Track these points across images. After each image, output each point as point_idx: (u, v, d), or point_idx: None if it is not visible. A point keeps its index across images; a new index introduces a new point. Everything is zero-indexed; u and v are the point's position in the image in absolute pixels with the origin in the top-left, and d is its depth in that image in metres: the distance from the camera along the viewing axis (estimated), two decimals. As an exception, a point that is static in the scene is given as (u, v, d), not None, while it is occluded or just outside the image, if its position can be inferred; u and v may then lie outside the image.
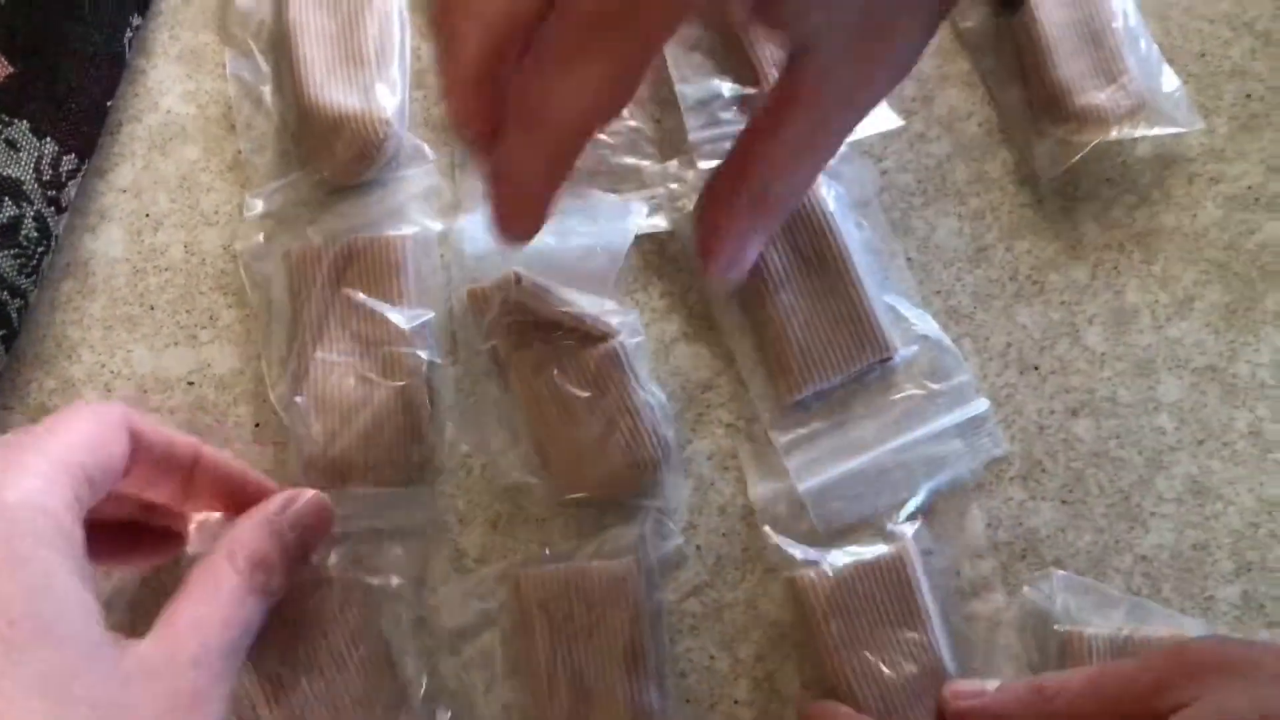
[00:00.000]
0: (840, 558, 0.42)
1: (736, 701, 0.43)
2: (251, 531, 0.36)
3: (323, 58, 0.46)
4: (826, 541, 0.43)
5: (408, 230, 0.45)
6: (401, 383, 0.43)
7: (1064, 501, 0.45)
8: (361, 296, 0.44)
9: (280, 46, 0.47)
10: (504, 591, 0.42)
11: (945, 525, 0.44)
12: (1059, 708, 0.36)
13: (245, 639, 0.34)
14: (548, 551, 0.43)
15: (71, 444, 0.32)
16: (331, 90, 0.46)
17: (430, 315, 0.44)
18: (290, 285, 0.44)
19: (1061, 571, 0.43)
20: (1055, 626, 0.42)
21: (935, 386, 0.44)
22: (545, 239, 0.41)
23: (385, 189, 0.46)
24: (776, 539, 0.43)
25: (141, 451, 0.36)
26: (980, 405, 0.44)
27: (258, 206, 0.46)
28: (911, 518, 0.43)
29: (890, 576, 0.41)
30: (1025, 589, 0.43)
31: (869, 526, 0.43)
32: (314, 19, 0.47)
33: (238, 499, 0.39)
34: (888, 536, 0.43)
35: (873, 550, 0.42)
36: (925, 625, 0.41)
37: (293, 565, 0.37)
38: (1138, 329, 0.47)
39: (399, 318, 0.44)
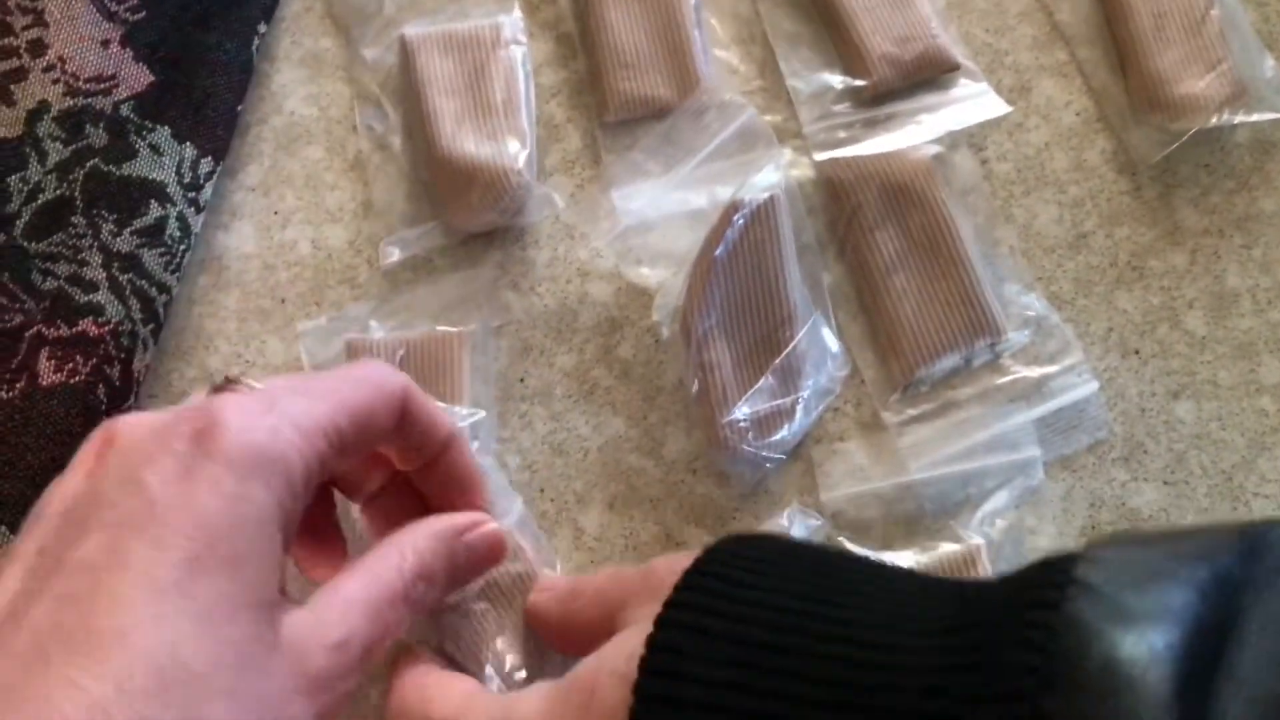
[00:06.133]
0: (909, 559, 0.43)
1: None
2: (427, 539, 0.35)
3: (452, 108, 0.48)
4: (901, 544, 0.44)
5: (466, 326, 0.46)
6: None
7: (1166, 483, 0.46)
8: None
9: (408, 95, 0.49)
10: None
11: (1043, 512, 0.45)
12: (575, 608, 0.37)
13: (383, 642, 0.32)
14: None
15: (341, 404, 0.32)
16: (463, 140, 0.47)
17: (482, 415, 0.45)
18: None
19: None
20: None
21: (1045, 369, 0.46)
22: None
23: (449, 280, 0.47)
24: (848, 545, 0.44)
25: (402, 431, 0.36)
26: (1090, 387, 0.45)
27: (394, 254, 0.47)
28: (998, 514, 0.44)
29: (958, 575, 0.42)
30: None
31: (944, 530, 0.44)
32: (441, 70, 0.48)
33: (457, 501, 0.39)
34: (959, 539, 0.44)
35: (943, 550, 0.43)
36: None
37: (451, 587, 0.37)
38: (1239, 313, 0.47)
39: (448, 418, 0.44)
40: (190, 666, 0.26)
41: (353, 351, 0.46)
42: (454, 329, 0.46)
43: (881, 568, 0.32)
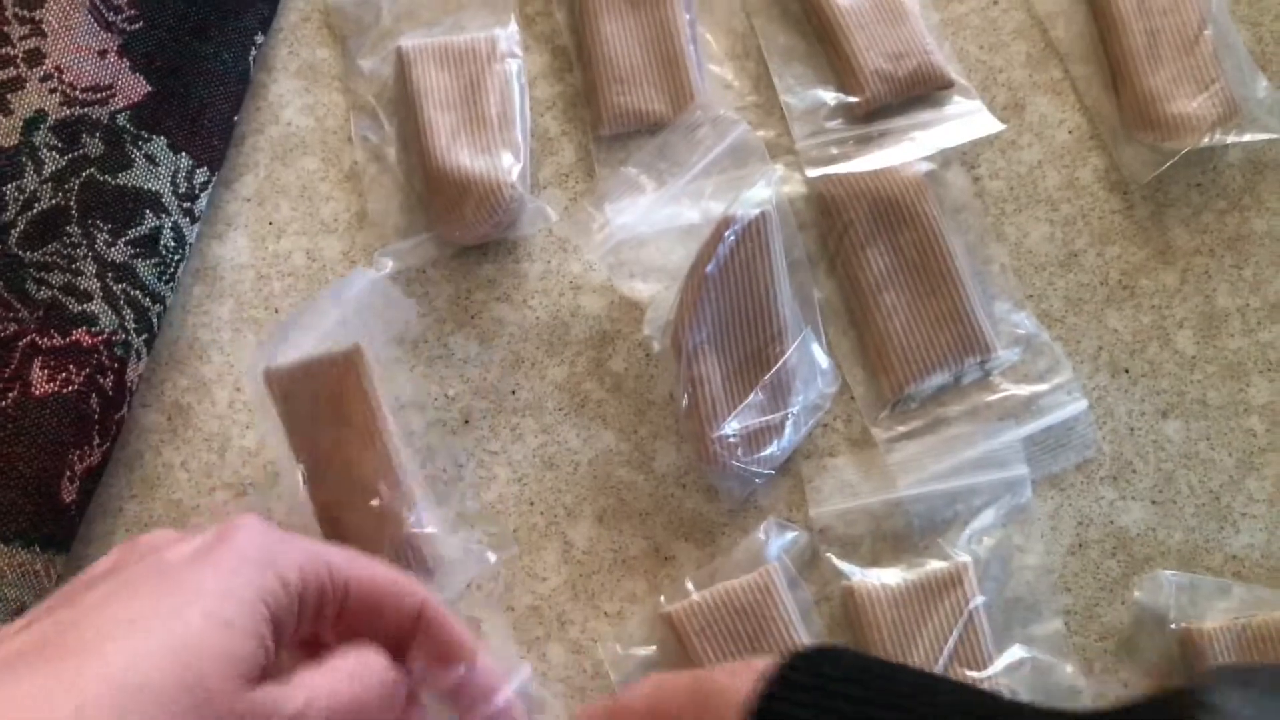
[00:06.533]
0: (896, 575, 0.44)
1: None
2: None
3: (447, 121, 0.48)
4: (889, 560, 0.44)
5: (357, 339, 0.44)
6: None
7: (1154, 502, 0.46)
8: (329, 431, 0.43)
9: (404, 107, 0.49)
10: (659, 632, 0.44)
11: (1030, 530, 0.45)
12: None
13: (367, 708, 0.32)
14: (690, 584, 0.44)
15: (351, 563, 0.34)
16: (457, 154, 0.47)
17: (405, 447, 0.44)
18: (277, 406, 0.43)
19: (1168, 571, 0.44)
20: (1171, 626, 0.43)
21: (1034, 387, 0.46)
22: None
23: (321, 292, 0.45)
24: (836, 561, 0.44)
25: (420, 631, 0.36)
26: (1079, 406, 0.45)
27: (388, 265, 0.47)
28: (986, 531, 0.45)
29: (945, 592, 0.43)
30: (1136, 593, 0.44)
31: (932, 547, 0.44)
32: (437, 82, 0.48)
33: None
34: (946, 556, 0.44)
35: (930, 567, 0.44)
36: (979, 636, 0.43)
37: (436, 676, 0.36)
38: (1228, 332, 0.47)
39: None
40: (145, 683, 0.27)
41: (269, 379, 0.43)
42: (342, 347, 0.43)
43: (960, 692, 0.31)
